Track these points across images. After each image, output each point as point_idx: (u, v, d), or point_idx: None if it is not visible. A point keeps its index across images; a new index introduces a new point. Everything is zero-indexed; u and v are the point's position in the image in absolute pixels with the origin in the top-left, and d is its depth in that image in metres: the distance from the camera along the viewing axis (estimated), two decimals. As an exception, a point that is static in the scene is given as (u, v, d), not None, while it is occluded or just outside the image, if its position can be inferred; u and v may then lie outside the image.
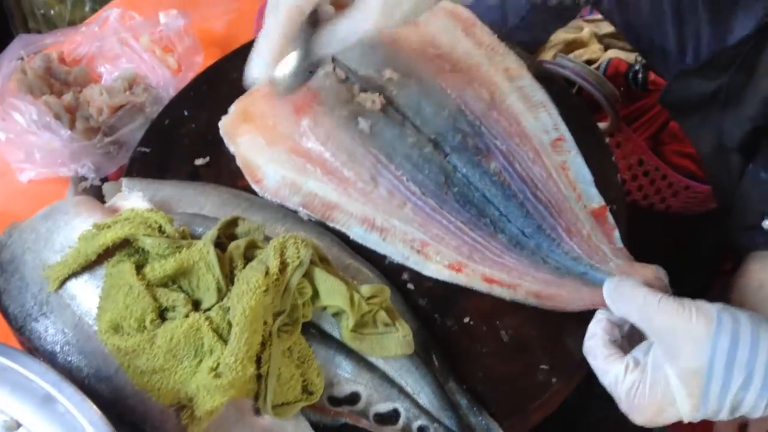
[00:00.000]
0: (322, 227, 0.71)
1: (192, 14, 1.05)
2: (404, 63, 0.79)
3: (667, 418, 0.56)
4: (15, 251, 0.61)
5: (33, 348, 0.58)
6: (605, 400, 0.59)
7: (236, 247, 0.59)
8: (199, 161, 0.79)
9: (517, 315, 0.67)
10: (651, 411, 0.56)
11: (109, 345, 0.55)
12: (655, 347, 0.57)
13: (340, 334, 0.60)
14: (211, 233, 0.60)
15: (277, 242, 0.59)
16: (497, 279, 0.67)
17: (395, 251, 0.70)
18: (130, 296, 0.55)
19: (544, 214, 0.70)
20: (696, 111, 0.80)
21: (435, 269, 0.68)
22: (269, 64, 0.63)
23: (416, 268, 0.69)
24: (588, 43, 1.21)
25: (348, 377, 0.60)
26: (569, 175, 0.73)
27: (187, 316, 0.55)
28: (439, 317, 0.68)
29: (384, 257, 0.70)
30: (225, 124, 0.79)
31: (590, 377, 0.61)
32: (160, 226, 0.60)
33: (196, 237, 0.63)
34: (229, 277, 0.58)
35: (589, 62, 1.16)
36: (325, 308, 0.60)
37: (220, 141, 0.78)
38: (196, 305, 0.57)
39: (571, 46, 1.20)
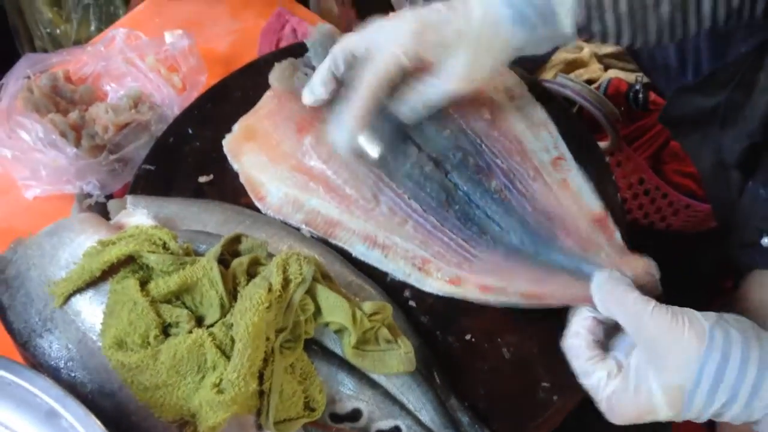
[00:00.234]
0: (325, 244, 0.72)
1: (196, 34, 1.06)
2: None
3: (645, 421, 0.56)
4: (20, 267, 0.62)
5: (37, 364, 0.58)
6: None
7: (239, 263, 0.60)
8: (203, 179, 0.80)
9: (519, 332, 0.68)
10: (631, 416, 0.56)
11: (113, 361, 0.55)
12: (640, 352, 0.56)
13: (342, 351, 0.61)
14: (215, 250, 0.60)
15: (279, 259, 0.59)
16: (490, 285, 0.67)
17: (397, 268, 0.70)
18: (134, 312, 0.56)
19: (544, 224, 0.70)
20: (695, 128, 0.80)
21: (436, 285, 0.68)
22: (354, 132, 0.68)
23: (417, 285, 0.69)
24: (588, 63, 1.22)
25: (350, 394, 0.60)
26: (570, 190, 0.73)
27: (190, 332, 0.55)
28: (440, 334, 0.68)
29: (386, 274, 0.71)
30: (229, 142, 0.80)
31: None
32: (165, 243, 0.61)
33: (199, 254, 0.63)
34: (232, 294, 0.58)
35: (590, 82, 1.17)
36: (327, 325, 0.60)
37: (224, 159, 0.79)
38: (199, 321, 0.57)
39: (571, 66, 1.21)
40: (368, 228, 0.72)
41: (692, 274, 1.01)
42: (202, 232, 0.68)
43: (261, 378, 0.55)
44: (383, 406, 0.60)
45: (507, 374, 0.66)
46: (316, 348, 0.61)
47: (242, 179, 0.77)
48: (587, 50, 1.23)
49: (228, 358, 0.54)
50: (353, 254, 0.71)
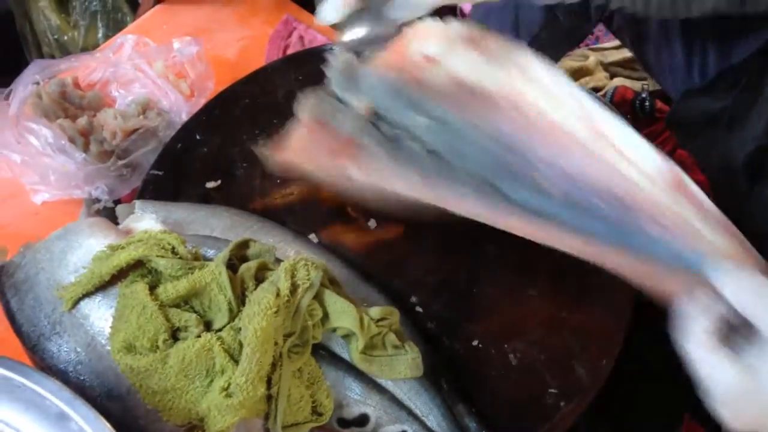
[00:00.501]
0: (331, 250, 0.72)
1: (205, 41, 1.07)
2: (434, 108, 0.71)
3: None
4: (29, 271, 0.62)
5: (46, 367, 0.58)
6: (615, 421, 0.58)
7: (247, 268, 0.60)
8: (210, 184, 0.80)
9: (525, 338, 0.68)
10: (755, 424, 0.51)
11: (121, 364, 0.55)
12: None
13: (350, 356, 0.61)
14: (223, 255, 0.61)
15: (288, 264, 0.59)
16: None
17: None
18: (143, 316, 0.56)
19: (619, 212, 0.60)
20: (702, 131, 0.80)
21: None
22: (340, 9, 0.65)
23: None
24: (594, 71, 1.23)
25: (357, 399, 0.60)
26: (623, 152, 0.64)
27: (199, 336, 0.56)
28: (447, 340, 0.68)
29: (392, 280, 0.71)
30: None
31: (598, 401, 0.61)
32: (173, 248, 0.61)
33: (207, 258, 0.63)
34: (241, 299, 0.58)
35: (595, 90, 1.18)
36: (334, 330, 0.60)
37: (232, 164, 0.80)
38: (207, 326, 0.57)
39: (577, 74, 1.22)
40: None
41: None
42: (210, 237, 0.69)
43: (269, 382, 0.55)
44: (390, 411, 0.60)
45: (514, 380, 0.66)
46: (323, 353, 0.61)
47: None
48: (593, 58, 1.24)
49: (236, 362, 0.54)
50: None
